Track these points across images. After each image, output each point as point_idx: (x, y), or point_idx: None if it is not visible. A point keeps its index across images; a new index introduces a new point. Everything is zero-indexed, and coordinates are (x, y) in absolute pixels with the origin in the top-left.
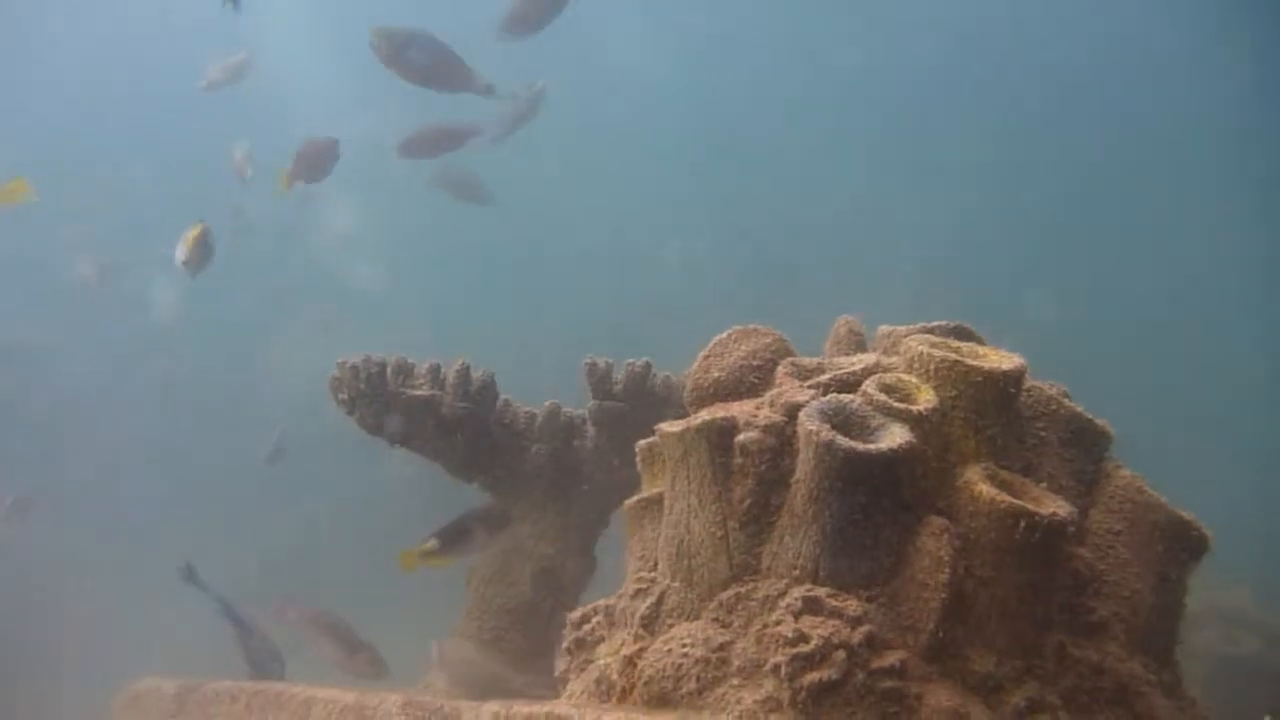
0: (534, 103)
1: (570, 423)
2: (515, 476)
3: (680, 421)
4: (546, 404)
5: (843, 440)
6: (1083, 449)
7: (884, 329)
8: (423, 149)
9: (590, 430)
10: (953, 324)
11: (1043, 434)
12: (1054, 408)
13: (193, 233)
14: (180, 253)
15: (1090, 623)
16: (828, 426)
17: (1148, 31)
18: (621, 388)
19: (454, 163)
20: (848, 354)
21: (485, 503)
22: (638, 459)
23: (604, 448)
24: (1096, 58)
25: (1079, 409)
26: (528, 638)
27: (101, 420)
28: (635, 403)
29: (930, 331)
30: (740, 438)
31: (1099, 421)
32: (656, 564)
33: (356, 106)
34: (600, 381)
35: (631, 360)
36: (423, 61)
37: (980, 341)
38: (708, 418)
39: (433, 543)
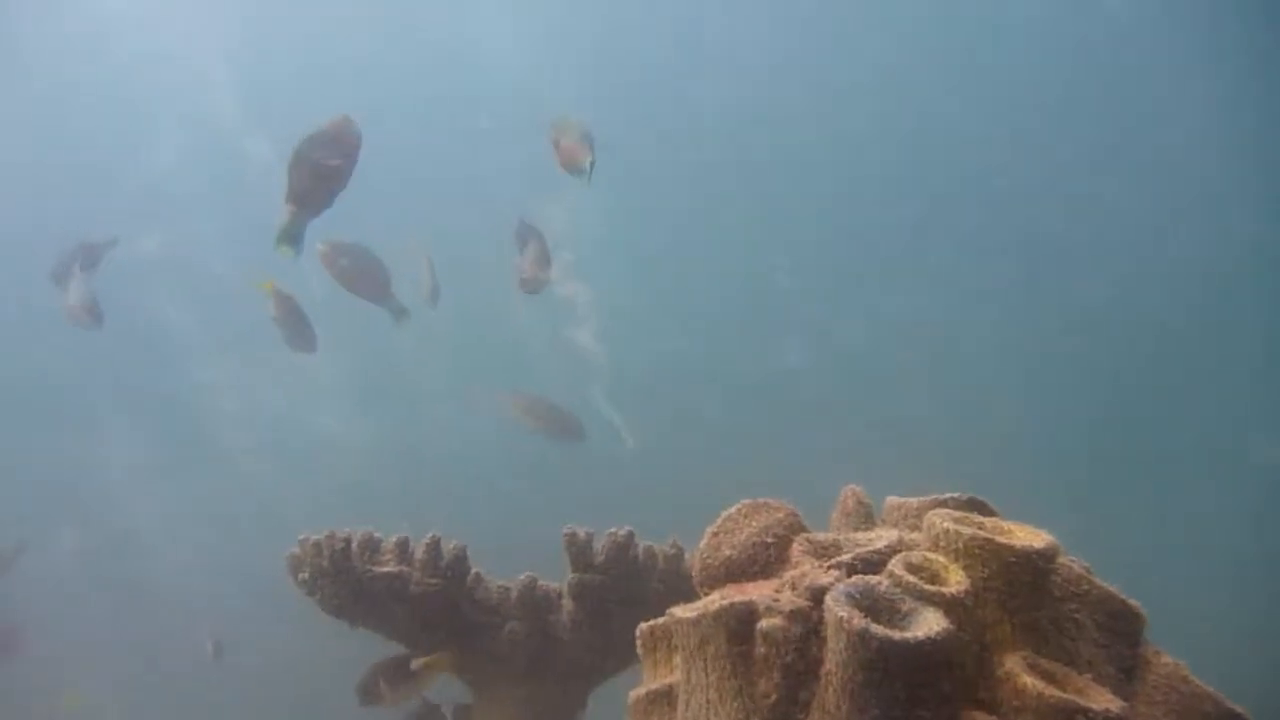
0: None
1: (547, 597)
2: (487, 657)
3: (695, 606)
4: (522, 577)
5: (877, 629)
6: (1118, 633)
7: (893, 501)
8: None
9: (568, 605)
10: (966, 496)
11: (1076, 617)
12: (1085, 588)
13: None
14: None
15: None
16: (859, 613)
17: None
18: (603, 559)
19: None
20: (857, 528)
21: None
22: (638, 644)
23: (582, 623)
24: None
25: (1112, 589)
26: None
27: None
28: (616, 575)
29: (944, 504)
30: (762, 625)
31: (1131, 602)
32: None
33: None
34: (580, 552)
35: (613, 529)
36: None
37: (996, 515)
38: (725, 603)
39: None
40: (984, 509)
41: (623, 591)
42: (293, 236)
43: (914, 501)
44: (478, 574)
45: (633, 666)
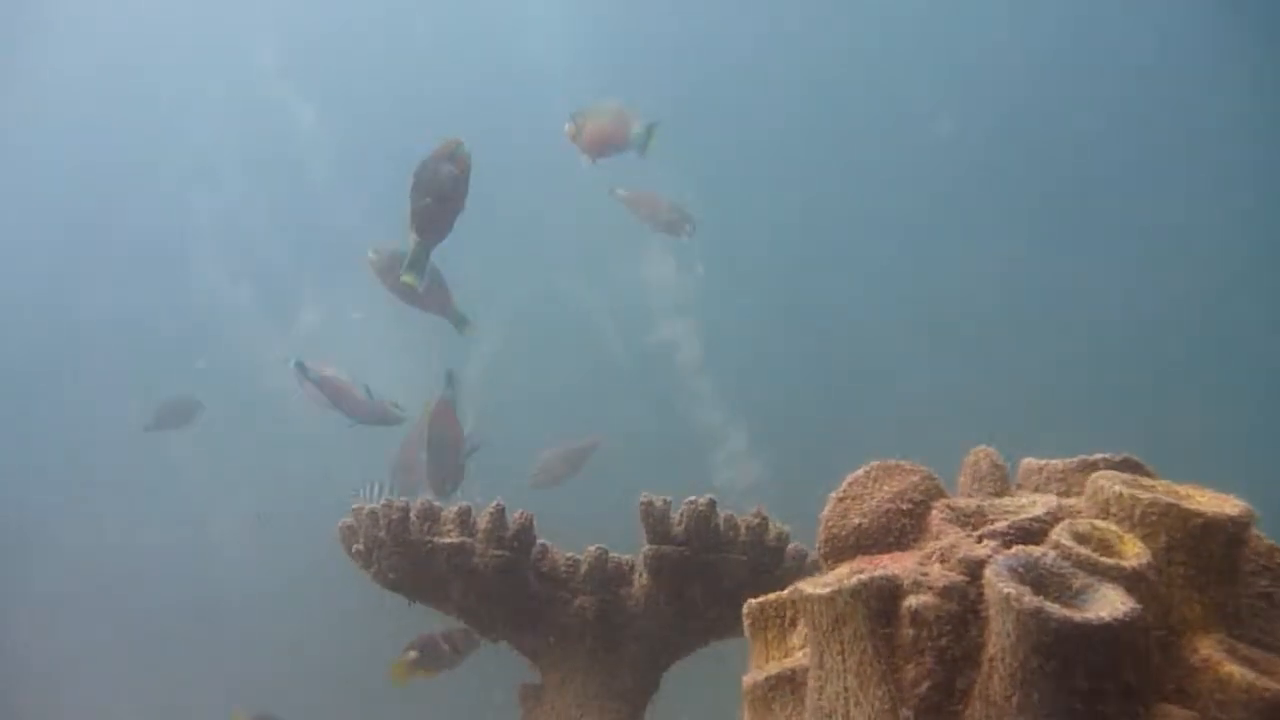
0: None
1: (618, 569)
2: (555, 633)
3: (826, 580)
4: (592, 549)
5: (1055, 609)
6: None
7: (1031, 463)
8: None
9: (643, 578)
10: (1120, 456)
11: (1271, 594)
12: (1279, 559)
13: None
14: None
15: None
16: (1028, 590)
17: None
18: (682, 529)
19: None
20: (994, 492)
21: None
22: (745, 622)
23: (657, 598)
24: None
25: None
26: None
27: None
28: (697, 546)
29: (1094, 466)
30: (910, 603)
31: None
32: None
33: None
34: (658, 523)
35: (691, 498)
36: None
37: (1155, 476)
38: (864, 578)
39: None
40: (1140, 469)
41: (703, 564)
42: (418, 265)
43: (1058, 463)
44: (544, 545)
45: (709, 646)
